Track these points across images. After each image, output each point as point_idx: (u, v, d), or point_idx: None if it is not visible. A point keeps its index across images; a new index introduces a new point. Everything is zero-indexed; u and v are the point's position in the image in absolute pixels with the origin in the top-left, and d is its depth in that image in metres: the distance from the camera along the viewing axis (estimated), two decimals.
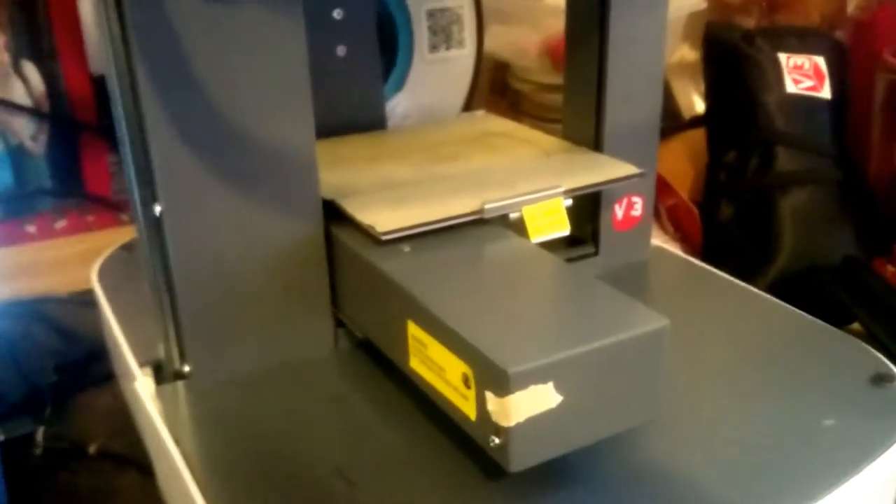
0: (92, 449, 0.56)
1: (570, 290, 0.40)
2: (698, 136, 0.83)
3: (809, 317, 0.51)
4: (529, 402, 0.34)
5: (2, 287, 0.70)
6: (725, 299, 0.54)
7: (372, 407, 0.44)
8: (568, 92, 0.56)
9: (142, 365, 0.48)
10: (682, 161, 0.83)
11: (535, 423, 0.34)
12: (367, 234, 0.44)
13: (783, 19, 0.89)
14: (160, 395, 0.46)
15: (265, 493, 0.38)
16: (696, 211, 0.74)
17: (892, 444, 0.40)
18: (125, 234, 0.71)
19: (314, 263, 0.47)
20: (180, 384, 0.46)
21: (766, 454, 0.40)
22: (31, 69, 0.69)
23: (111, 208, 0.76)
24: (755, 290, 0.55)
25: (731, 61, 0.75)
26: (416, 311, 0.39)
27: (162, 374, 0.47)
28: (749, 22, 0.90)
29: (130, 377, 0.48)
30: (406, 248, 0.44)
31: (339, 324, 0.49)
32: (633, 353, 0.35)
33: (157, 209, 0.42)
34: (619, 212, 0.57)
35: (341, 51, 0.58)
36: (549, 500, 0.37)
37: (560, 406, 0.34)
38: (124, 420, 0.58)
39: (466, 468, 0.39)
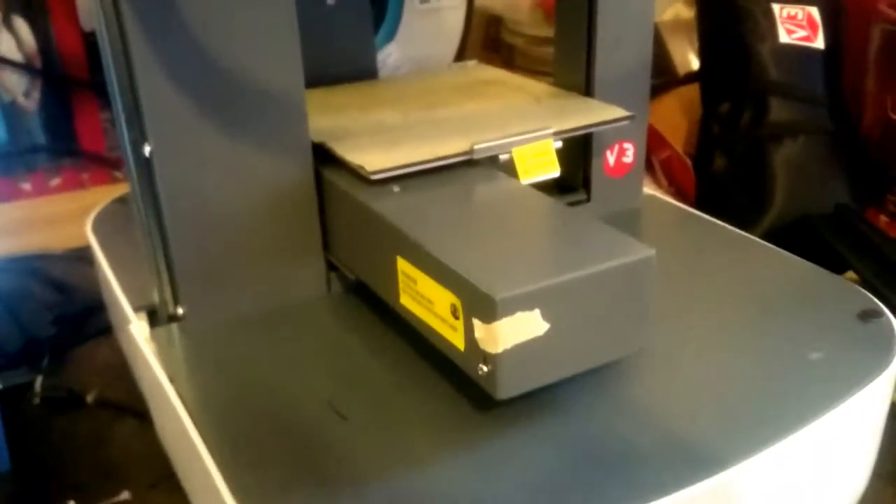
0: (89, 398, 0.57)
1: (558, 224, 0.40)
2: (692, 91, 0.83)
3: (800, 259, 0.52)
4: (516, 329, 0.34)
5: None
6: (717, 243, 0.55)
7: (363, 346, 0.45)
8: (558, 38, 0.56)
9: (136, 310, 0.48)
10: (676, 115, 0.83)
11: (523, 351, 0.34)
12: (357, 175, 0.45)
13: None
14: (155, 337, 0.46)
15: (258, 427, 0.39)
16: (689, 163, 0.74)
17: (878, 375, 0.41)
18: (119, 190, 0.72)
19: (305, 206, 0.47)
20: (174, 326, 0.47)
21: (754, 384, 0.40)
22: (21, 25, 0.69)
23: (105, 165, 0.76)
24: (747, 234, 0.55)
25: (724, 12, 0.74)
26: (405, 246, 0.39)
27: (156, 317, 0.48)
28: None
29: (125, 321, 0.48)
30: (395, 188, 0.44)
31: (332, 268, 0.49)
32: (619, 282, 0.36)
33: (147, 149, 0.42)
34: (611, 158, 0.57)
35: (331, 0, 0.57)
36: (535, 429, 0.38)
37: (547, 334, 0.35)
38: (121, 371, 0.59)
39: (455, 400, 0.40)
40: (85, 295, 0.68)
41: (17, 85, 0.71)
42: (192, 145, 0.43)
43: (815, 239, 0.65)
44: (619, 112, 0.51)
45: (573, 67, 0.55)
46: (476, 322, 0.34)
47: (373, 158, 0.44)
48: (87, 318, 0.66)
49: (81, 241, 0.72)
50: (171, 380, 0.42)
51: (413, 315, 0.40)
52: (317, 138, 0.47)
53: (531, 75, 0.80)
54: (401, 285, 0.41)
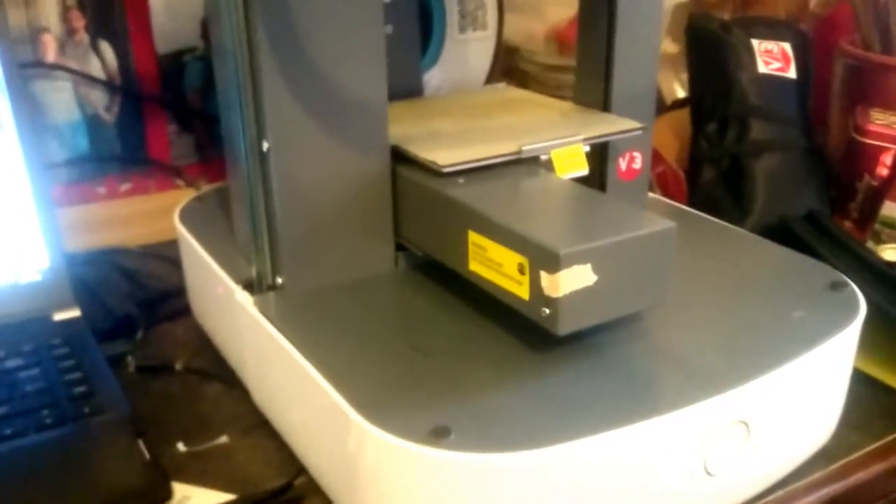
0: (178, 366, 0.66)
1: (598, 204, 0.51)
2: (680, 116, 0.94)
3: (779, 245, 0.63)
4: (573, 279, 0.44)
5: (78, 239, 0.79)
6: (710, 234, 0.66)
7: (433, 307, 0.55)
8: (580, 63, 0.67)
9: (237, 282, 0.58)
10: (667, 136, 0.95)
11: (577, 296, 0.45)
12: (427, 169, 0.55)
13: (753, 14, 1.02)
14: (258, 302, 0.56)
15: (362, 363, 0.49)
16: (682, 175, 0.85)
17: (847, 328, 0.52)
18: (182, 195, 0.81)
19: (381, 196, 0.57)
20: (272, 294, 0.56)
21: (748, 332, 0.51)
22: (106, 47, 0.79)
23: (170, 173, 0.86)
24: (735, 227, 0.67)
25: (710, 46, 0.86)
26: (477, 221, 0.50)
27: (253, 289, 0.58)
28: (724, 15, 1.03)
29: (228, 293, 0.58)
30: (461, 179, 0.54)
31: (399, 248, 0.59)
32: (649, 246, 0.47)
33: (265, 145, 0.52)
34: (623, 164, 0.68)
35: (389, 29, 0.68)
36: (578, 365, 0.48)
37: (595, 284, 0.45)
38: (200, 345, 0.69)
39: (516, 346, 0.50)
40: (156, 283, 0.77)
41: (99, 100, 0.81)
42: (301, 143, 0.53)
43: (792, 238, 0.76)
44: (633, 124, 0.62)
45: (592, 88, 0.66)
46: (542, 273, 0.45)
47: (442, 156, 0.55)
48: (161, 303, 0.75)
49: (150, 239, 0.82)
50: (281, 332, 0.52)
51: (481, 277, 0.50)
52: (390, 141, 0.57)
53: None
54: (470, 254, 0.51)
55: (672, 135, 0.95)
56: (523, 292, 0.47)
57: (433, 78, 0.76)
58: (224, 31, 0.51)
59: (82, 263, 0.78)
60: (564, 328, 0.45)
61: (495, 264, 0.49)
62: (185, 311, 0.73)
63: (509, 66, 0.92)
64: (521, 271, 0.47)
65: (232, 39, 0.50)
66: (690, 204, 0.86)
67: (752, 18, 0.91)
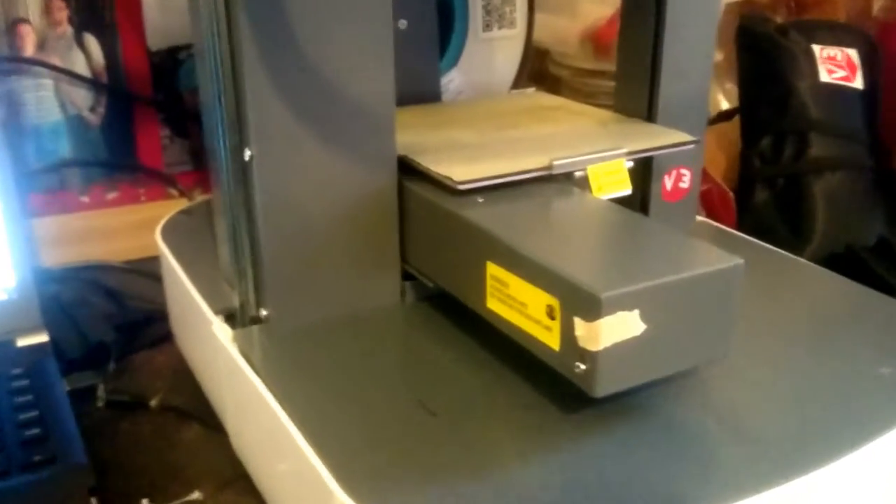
0: (153, 402, 0.58)
1: (646, 233, 0.42)
2: (726, 129, 0.85)
3: (852, 282, 0.53)
4: (616, 328, 0.36)
5: (56, 253, 0.72)
6: (773, 267, 0.56)
7: (442, 350, 0.46)
8: (621, 67, 0.59)
9: (216, 312, 0.50)
10: (712, 151, 0.86)
11: (620, 350, 0.36)
12: (441, 186, 0.46)
13: (810, 17, 0.92)
14: (238, 338, 0.47)
15: (352, 420, 0.40)
16: (731, 195, 0.76)
17: None
18: (175, 206, 0.73)
19: (386, 215, 0.49)
20: (256, 328, 0.48)
21: (827, 395, 0.42)
22: (92, 41, 0.72)
23: (162, 181, 0.78)
24: (799, 258, 0.57)
25: (765, 52, 0.77)
26: (497, 251, 0.41)
27: (235, 321, 0.49)
28: (777, 18, 0.93)
29: (205, 324, 0.50)
30: (479, 199, 0.46)
31: (406, 277, 0.51)
32: (711, 288, 0.38)
33: (248, 154, 0.44)
34: (669, 183, 0.59)
35: (402, 24, 0.60)
36: (618, 431, 0.39)
37: (644, 334, 0.36)
38: (180, 377, 0.60)
39: (543, 404, 0.41)
40: (140, 305, 0.70)
41: (83, 100, 0.73)
42: (289, 152, 0.45)
43: (860, 270, 0.67)
44: (684, 136, 0.53)
45: (635, 95, 0.57)
46: (577, 320, 0.36)
47: (458, 170, 0.46)
48: (144, 328, 0.67)
49: (137, 254, 0.74)
50: (261, 378, 0.44)
51: (501, 318, 0.42)
52: (398, 152, 0.49)
53: None
54: (489, 289, 0.42)
55: (718, 149, 0.86)
56: (552, 341, 0.38)
57: (453, 81, 0.67)
58: (201, 18, 0.43)
59: (58, 280, 0.70)
60: (603, 389, 0.36)
61: (518, 304, 0.40)
62: (168, 336, 0.65)
63: (538, 71, 0.83)
64: (551, 315, 0.38)
65: (209, 27, 0.42)
66: (739, 227, 0.77)
67: (812, 22, 0.82)
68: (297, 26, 0.43)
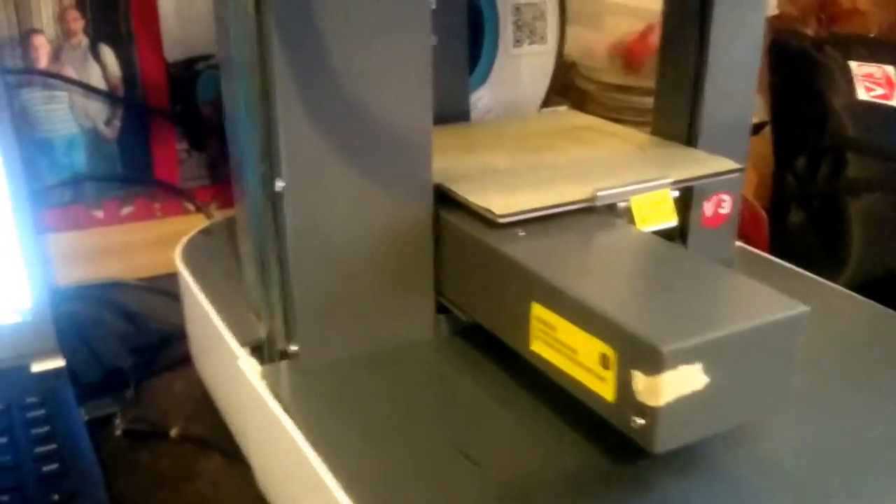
0: (173, 432, 0.56)
1: (700, 274, 0.40)
2: (756, 144, 0.83)
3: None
4: (679, 383, 0.33)
5: (69, 271, 0.70)
6: (818, 299, 0.54)
7: (480, 389, 0.44)
8: (661, 87, 0.56)
9: (242, 345, 0.48)
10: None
11: (681, 405, 0.34)
12: (479, 217, 0.44)
13: (840, 30, 0.90)
14: (266, 374, 0.45)
15: (388, 466, 0.38)
16: (764, 215, 0.74)
17: None
18: (191, 221, 0.72)
19: (421, 247, 0.47)
20: (284, 364, 0.46)
21: (881, 444, 0.40)
22: (108, 53, 0.69)
23: (178, 196, 0.76)
24: (845, 290, 0.55)
25: (800, 68, 0.75)
26: (544, 292, 0.39)
27: (260, 354, 0.47)
28: (806, 31, 0.91)
29: (229, 357, 0.48)
30: (520, 232, 0.44)
31: (440, 310, 0.49)
32: (775, 337, 0.35)
33: (279, 185, 0.42)
34: (709, 208, 0.57)
35: (432, 40, 0.58)
36: (673, 485, 0.37)
37: (705, 388, 0.34)
38: (200, 404, 0.58)
39: (592, 453, 0.39)
40: (157, 325, 0.68)
41: (98, 112, 0.71)
42: (322, 182, 0.42)
43: None
44: (730, 164, 0.51)
45: (675, 117, 0.55)
46: (636, 374, 0.34)
47: (498, 202, 0.44)
48: (160, 349, 0.65)
49: (152, 271, 0.72)
50: (291, 417, 0.42)
51: (547, 362, 0.39)
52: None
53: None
54: (533, 331, 0.40)
55: (748, 165, 0.83)
56: (606, 392, 0.36)
57: (482, 99, 0.65)
58: (230, 41, 0.41)
59: (72, 299, 0.68)
60: (663, 445, 0.34)
61: (567, 349, 0.38)
62: (186, 358, 0.63)
63: (564, 83, 0.81)
64: (605, 364, 0.36)
65: (239, 51, 0.40)
66: (773, 249, 0.74)
67: (848, 37, 0.79)
68: (333, 49, 0.41)
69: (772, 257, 0.60)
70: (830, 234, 0.71)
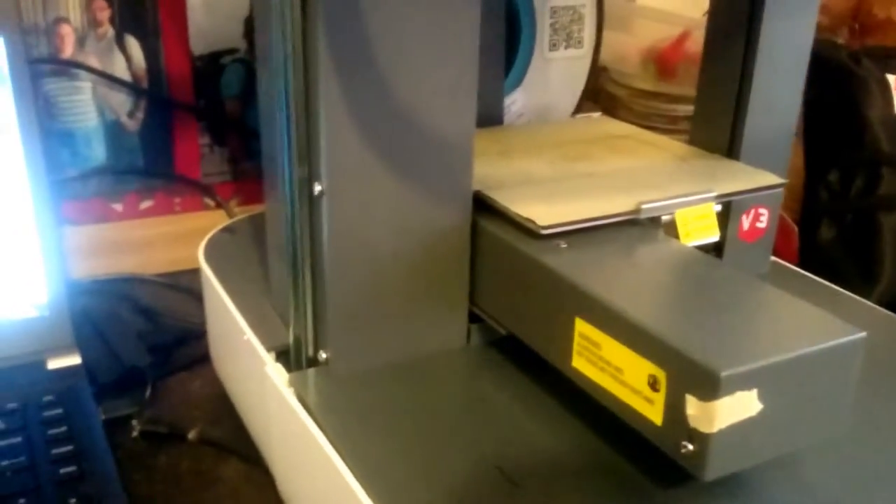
0: (192, 435, 0.54)
1: (752, 294, 0.38)
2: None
3: None
4: (733, 409, 0.32)
5: (86, 264, 0.69)
6: (851, 316, 0.53)
7: (515, 403, 0.43)
8: (702, 97, 0.55)
9: (268, 350, 0.46)
10: None
11: (734, 431, 0.32)
12: (519, 227, 0.43)
13: (874, 42, 0.88)
14: (294, 382, 0.44)
15: (424, 486, 0.37)
16: (795, 228, 0.72)
17: None
18: (211, 217, 0.70)
19: (458, 255, 0.45)
20: (313, 371, 0.45)
21: None
22: (133, 44, 0.68)
23: (199, 191, 0.75)
24: (880, 308, 0.54)
25: (836, 80, 0.74)
26: (589, 307, 0.37)
27: (286, 360, 0.46)
28: (838, 42, 0.89)
29: (255, 361, 0.47)
30: (563, 243, 0.42)
31: (472, 319, 0.47)
32: (832, 363, 0.34)
33: (318, 188, 0.41)
34: (746, 222, 0.55)
35: None
36: None
37: (759, 415, 0.33)
38: (220, 406, 0.57)
39: (634, 475, 0.38)
40: (173, 322, 0.66)
41: (122, 104, 0.70)
42: (362, 186, 0.41)
43: None
44: (773, 179, 0.49)
45: (717, 129, 0.54)
46: (690, 398, 0.32)
47: (540, 212, 0.43)
48: (179, 347, 0.64)
49: (170, 267, 0.70)
50: (321, 427, 0.40)
51: (589, 381, 0.38)
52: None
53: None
54: (576, 347, 0.39)
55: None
56: (654, 414, 0.35)
57: (515, 102, 0.64)
58: (273, 36, 0.40)
59: (89, 293, 0.67)
60: (713, 472, 0.33)
61: (612, 368, 0.37)
62: (204, 357, 0.61)
63: (594, 87, 0.79)
64: (654, 387, 0.34)
65: (282, 48, 0.39)
66: (803, 264, 0.73)
67: (886, 49, 0.78)
68: (379, 49, 0.39)
69: (804, 272, 0.59)
70: (862, 250, 0.69)
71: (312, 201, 0.41)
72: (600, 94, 0.81)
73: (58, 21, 0.66)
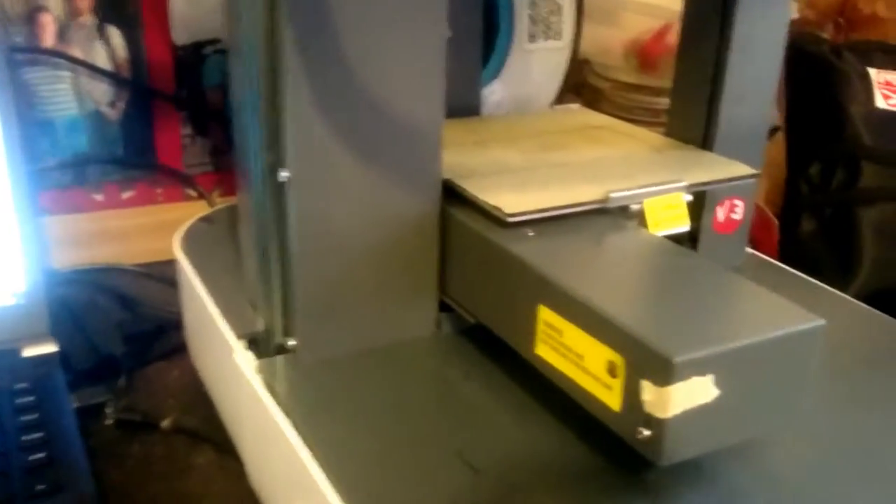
0: (165, 423, 0.54)
1: (713, 282, 0.39)
2: (767, 147, 0.81)
3: None
4: (688, 395, 0.32)
5: (66, 254, 0.69)
6: (826, 309, 0.53)
7: (482, 391, 0.43)
8: (677, 89, 0.55)
9: (238, 337, 0.46)
10: None
11: (689, 417, 0.33)
12: (487, 215, 0.43)
13: (860, 38, 0.88)
14: (262, 369, 0.44)
15: (386, 472, 0.37)
16: (776, 222, 0.72)
17: None
18: (193, 208, 0.70)
19: (427, 243, 0.45)
20: (282, 359, 0.45)
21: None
22: (114, 33, 0.68)
23: (181, 181, 0.75)
24: (854, 300, 0.54)
25: (818, 74, 0.74)
26: (552, 295, 0.38)
27: (257, 347, 0.46)
28: (825, 37, 0.89)
29: (225, 349, 0.47)
30: (530, 232, 0.42)
31: (442, 308, 0.47)
32: (789, 350, 0.34)
33: (284, 175, 0.41)
34: (721, 214, 0.55)
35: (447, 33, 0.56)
36: (681, 498, 0.36)
37: (715, 401, 0.33)
38: (194, 394, 0.57)
39: (594, 463, 0.38)
40: (153, 312, 0.66)
41: (103, 94, 0.70)
42: (329, 174, 0.41)
43: None
44: (745, 169, 0.49)
45: (691, 120, 0.54)
46: (645, 384, 0.33)
47: (508, 200, 0.43)
48: (156, 337, 0.64)
49: (151, 257, 0.70)
50: (287, 414, 0.40)
51: (551, 367, 0.38)
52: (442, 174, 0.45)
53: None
54: (539, 335, 0.39)
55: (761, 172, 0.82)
56: (612, 401, 0.35)
57: (494, 93, 0.64)
58: (240, 25, 0.40)
59: (67, 283, 0.67)
60: (668, 458, 0.33)
61: (574, 355, 0.37)
62: (182, 347, 0.62)
63: (577, 80, 0.79)
64: (612, 372, 0.34)
65: (249, 36, 0.39)
66: (782, 256, 0.73)
67: (867, 43, 0.78)
68: (345, 36, 0.39)
69: (781, 265, 0.59)
70: (842, 243, 0.69)
71: (279, 189, 0.41)
72: (584, 87, 0.81)
73: (38, 10, 0.66)
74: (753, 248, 0.75)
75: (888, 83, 0.71)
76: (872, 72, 0.72)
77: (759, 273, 0.57)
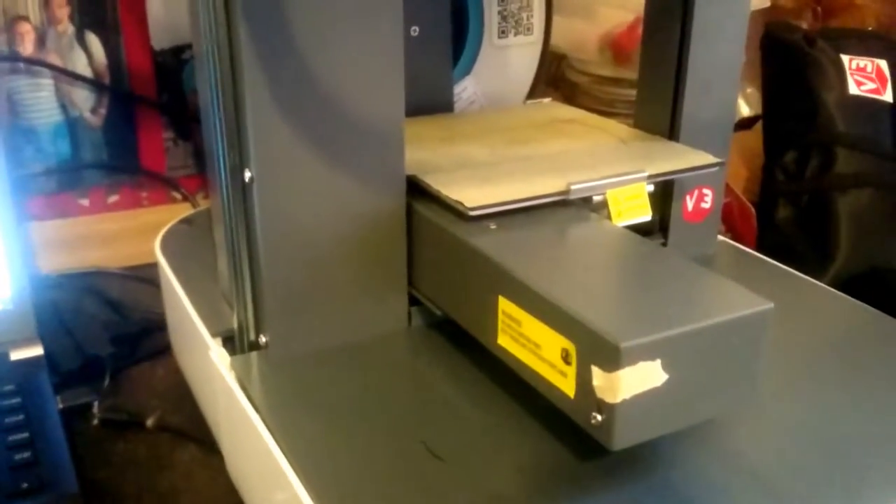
0: (150, 422, 0.56)
1: (668, 270, 0.39)
2: (747, 138, 0.82)
3: (882, 314, 0.51)
4: (637, 379, 0.33)
5: (54, 259, 0.70)
6: (797, 295, 0.54)
7: (451, 384, 0.44)
8: (643, 80, 0.56)
9: (213, 335, 0.48)
10: (733, 162, 0.82)
11: (640, 402, 0.33)
12: (451, 210, 0.44)
13: (838, 25, 0.89)
14: (235, 365, 0.45)
15: (351, 461, 0.38)
16: (752, 210, 0.73)
17: None
18: (177, 210, 0.71)
19: (394, 239, 0.46)
20: (254, 355, 0.46)
21: (853, 438, 0.39)
22: (94, 40, 0.69)
23: (165, 185, 0.76)
24: (826, 287, 0.55)
25: (791, 61, 0.74)
26: (510, 286, 0.38)
27: (233, 345, 0.47)
28: (802, 25, 0.90)
29: (202, 347, 0.48)
30: (492, 225, 0.43)
31: (413, 302, 0.48)
32: (738, 334, 0.35)
33: (248, 175, 0.42)
34: (690, 203, 0.56)
35: (414, 31, 0.57)
36: (635, 481, 0.37)
37: (665, 385, 0.34)
38: (180, 394, 0.58)
39: (554, 450, 0.39)
40: (139, 314, 0.68)
41: (84, 100, 0.71)
42: (292, 173, 0.42)
43: (884, 291, 0.64)
44: (709, 158, 0.50)
45: (657, 111, 0.55)
46: (595, 370, 0.33)
47: (470, 194, 0.44)
48: (142, 339, 0.65)
49: (137, 260, 0.72)
50: (257, 409, 0.41)
51: (512, 357, 0.39)
52: (407, 170, 0.46)
53: (595, 114, 0.80)
54: (500, 325, 0.40)
55: (739, 160, 0.82)
56: (567, 387, 0.36)
57: (465, 90, 0.65)
58: (199, 29, 0.41)
59: (54, 287, 0.68)
60: (620, 442, 0.34)
61: (532, 344, 0.38)
62: (168, 348, 0.63)
63: (555, 76, 0.80)
64: (566, 360, 0.35)
65: (207, 40, 0.40)
66: (760, 244, 0.74)
67: (841, 30, 0.78)
68: (301, 38, 0.40)
69: (755, 253, 0.60)
70: (818, 229, 0.70)
71: (244, 188, 0.42)
72: (561, 82, 0.81)
73: (17, 19, 0.67)
74: (733, 236, 0.76)
75: (860, 69, 0.72)
76: (845, 58, 0.73)
77: (730, 261, 0.58)
